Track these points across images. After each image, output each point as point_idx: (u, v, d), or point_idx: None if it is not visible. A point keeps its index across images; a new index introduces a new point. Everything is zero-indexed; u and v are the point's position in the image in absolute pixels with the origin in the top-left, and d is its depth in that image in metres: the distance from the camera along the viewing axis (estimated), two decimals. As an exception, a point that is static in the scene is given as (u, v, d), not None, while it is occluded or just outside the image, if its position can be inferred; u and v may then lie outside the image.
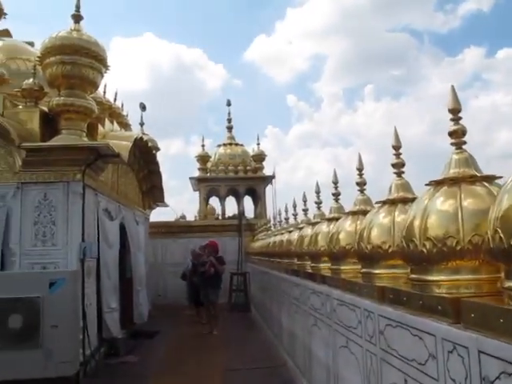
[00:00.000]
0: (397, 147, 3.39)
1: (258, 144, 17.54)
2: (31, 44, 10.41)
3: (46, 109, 7.53)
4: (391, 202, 3.43)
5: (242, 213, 16.61)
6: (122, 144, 8.00)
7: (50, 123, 7.53)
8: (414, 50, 53.60)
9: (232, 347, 9.00)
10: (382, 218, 3.40)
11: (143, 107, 14.68)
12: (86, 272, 7.11)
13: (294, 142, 54.31)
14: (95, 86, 7.77)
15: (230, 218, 17.04)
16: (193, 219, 17.22)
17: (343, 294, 3.89)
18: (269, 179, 16.93)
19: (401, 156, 3.43)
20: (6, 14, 11.77)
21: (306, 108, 57.32)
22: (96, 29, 9.79)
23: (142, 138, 9.74)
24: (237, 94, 55.75)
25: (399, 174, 3.46)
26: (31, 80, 7.70)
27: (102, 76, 7.80)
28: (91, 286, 7.48)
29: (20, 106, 7.62)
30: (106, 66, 7.78)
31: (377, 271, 3.35)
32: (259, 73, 56.89)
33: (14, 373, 5.83)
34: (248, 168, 17.02)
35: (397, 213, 3.30)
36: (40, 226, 6.99)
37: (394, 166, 3.44)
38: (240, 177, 16.78)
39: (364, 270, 3.59)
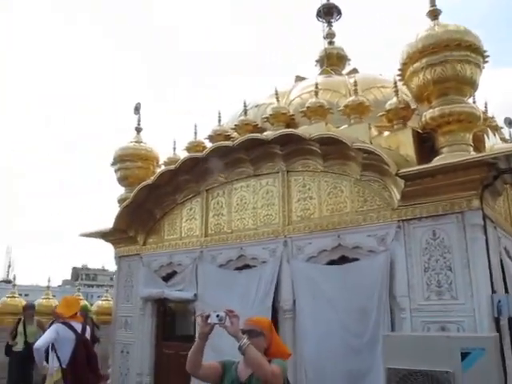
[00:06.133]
0: None
1: None
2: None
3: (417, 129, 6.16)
4: None
5: None
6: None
7: (424, 145, 6.09)
8: None
9: None
10: None
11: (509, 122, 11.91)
12: (502, 336, 5.04)
13: None
14: (474, 85, 5.92)
15: None
16: None
17: None
18: None
19: None
20: (349, 59, 11.70)
21: None
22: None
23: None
24: None
25: None
26: (394, 99, 6.52)
27: (481, 71, 5.94)
28: (510, 356, 5.32)
29: (386, 133, 6.49)
30: (484, 57, 5.91)
31: None
32: None
33: None
34: None
35: None
36: (432, 274, 5.39)
37: None
38: None
39: None
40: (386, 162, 5.47)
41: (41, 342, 4.85)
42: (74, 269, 74.14)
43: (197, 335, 2.86)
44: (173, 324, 8.65)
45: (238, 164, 7.30)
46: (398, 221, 5.69)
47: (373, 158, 5.79)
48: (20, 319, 8.55)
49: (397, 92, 6.53)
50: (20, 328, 8.33)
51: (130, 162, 9.50)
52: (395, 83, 6.61)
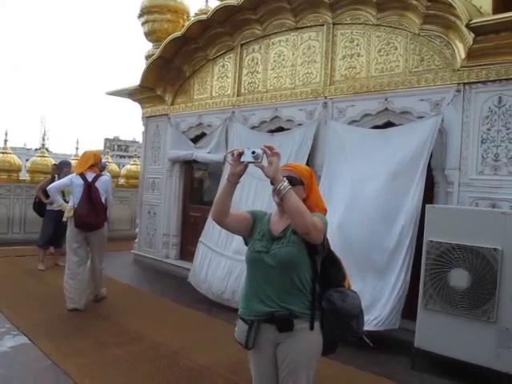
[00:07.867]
0: None
1: None
2: None
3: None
4: None
5: None
6: None
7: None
8: None
9: None
10: None
11: None
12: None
13: None
14: None
15: None
16: None
17: None
18: None
19: None
20: None
21: None
22: None
23: None
24: None
25: None
26: None
27: None
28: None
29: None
30: None
31: None
32: None
33: (454, 348, 4.17)
34: None
35: None
36: (490, 146, 4.78)
37: None
38: None
39: None
40: (456, 10, 4.60)
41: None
42: (107, 140, 75.67)
43: (225, 176, 2.34)
44: (200, 189, 8.47)
45: (278, 14, 6.46)
46: (459, 84, 4.94)
47: (438, 8, 4.91)
48: (54, 177, 7.99)
49: None
50: None
51: (158, 14, 8.71)
52: None
